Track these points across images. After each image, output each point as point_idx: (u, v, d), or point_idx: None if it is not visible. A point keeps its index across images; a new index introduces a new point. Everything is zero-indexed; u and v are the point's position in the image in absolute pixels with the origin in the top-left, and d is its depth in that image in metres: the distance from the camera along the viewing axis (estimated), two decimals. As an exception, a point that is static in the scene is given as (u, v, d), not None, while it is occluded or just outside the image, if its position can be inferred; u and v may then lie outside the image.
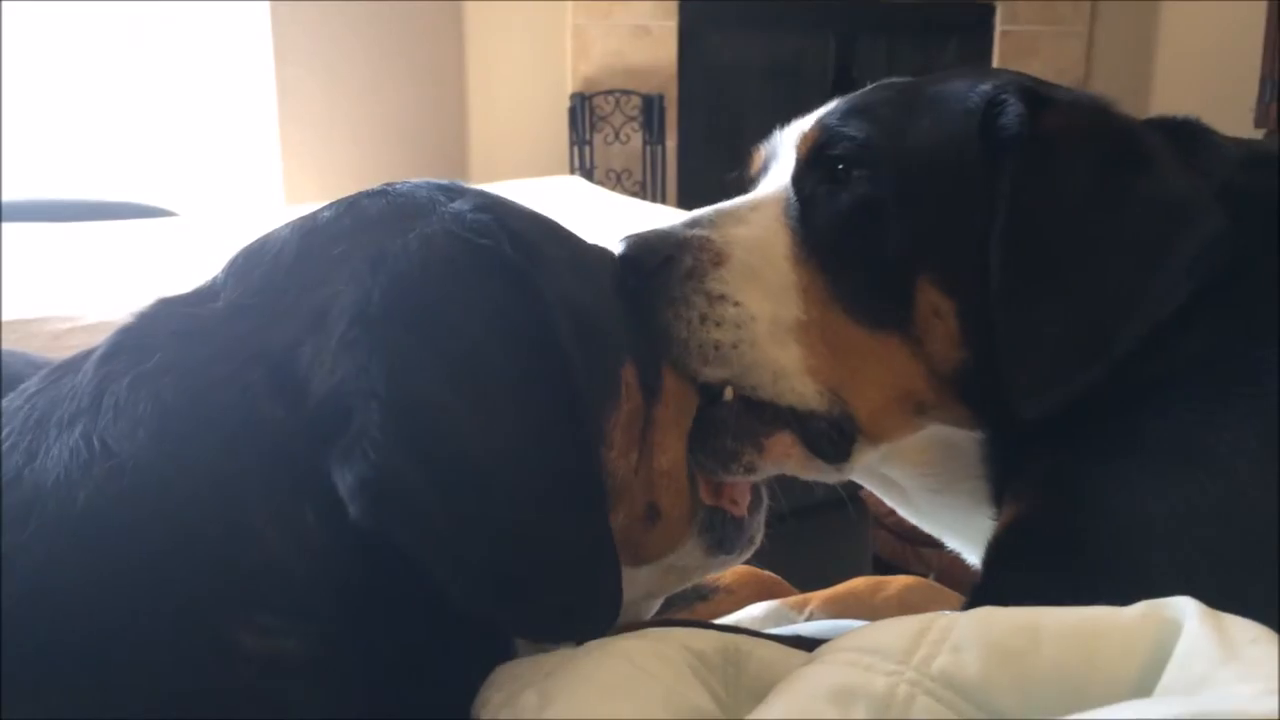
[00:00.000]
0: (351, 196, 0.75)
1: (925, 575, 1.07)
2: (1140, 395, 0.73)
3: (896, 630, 0.58)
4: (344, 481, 0.57)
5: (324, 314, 0.63)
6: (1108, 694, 0.52)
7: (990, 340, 0.78)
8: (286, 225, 0.73)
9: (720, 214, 0.87)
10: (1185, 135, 0.84)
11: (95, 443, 0.58)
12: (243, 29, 4.62)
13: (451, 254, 0.67)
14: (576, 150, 4.98)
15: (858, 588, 1.05)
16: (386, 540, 0.57)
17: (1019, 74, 0.87)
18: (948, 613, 0.58)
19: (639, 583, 0.80)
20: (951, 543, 0.93)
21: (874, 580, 1.06)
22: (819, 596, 1.03)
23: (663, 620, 0.82)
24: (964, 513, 0.86)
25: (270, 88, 4.67)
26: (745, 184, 0.95)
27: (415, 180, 0.76)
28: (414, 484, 0.57)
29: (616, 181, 5.03)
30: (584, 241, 0.81)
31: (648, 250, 0.82)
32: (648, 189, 5.01)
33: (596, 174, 4.93)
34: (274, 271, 0.68)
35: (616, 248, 0.83)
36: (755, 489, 0.87)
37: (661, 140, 5.05)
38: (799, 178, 0.87)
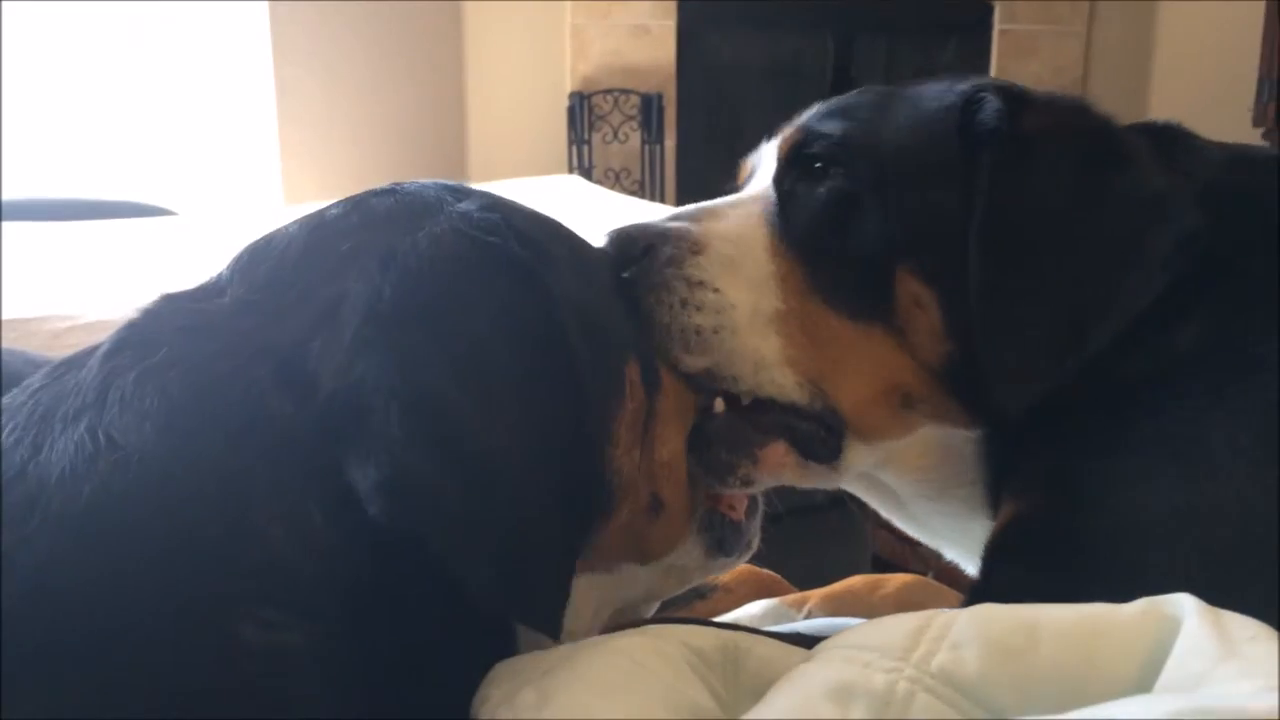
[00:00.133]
0: (359, 195, 0.75)
1: (924, 573, 1.07)
2: (1137, 392, 0.73)
3: (895, 628, 0.58)
4: (365, 477, 0.57)
5: (334, 311, 0.64)
6: (1107, 691, 0.52)
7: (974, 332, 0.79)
8: (293, 222, 0.73)
9: (702, 210, 0.88)
10: (1168, 138, 0.85)
11: (100, 437, 0.58)
12: (242, 28, 4.61)
13: (460, 252, 0.68)
14: (575, 149, 4.98)
15: (856, 586, 1.05)
16: (402, 534, 0.58)
17: (997, 79, 0.88)
18: (947, 610, 0.58)
19: (640, 583, 0.80)
20: (948, 552, 0.93)
21: (872, 578, 1.06)
22: (818, 594, 1.03)
23: (662, 618, 0.82)
24: (959, 519, 0.86)
25: (269, 87, 4.67)
26: (735, 193, 0.96)
27: (422, 180, 0.76)
28: (434, 481, 0.58)
29: (615, 181, 5.03)
30: (586, 241, 0.81)
31: (629, 241, 0.84)
32: (646, 188, 5.01)
33: (595, 173, 4.92)
34: (280, 268, 0.69)
35: (601, 242, 0.84)
36: (752, 495, 0.87)
37: (660, 140, 5.05)
38: (779, 177, 0.88)
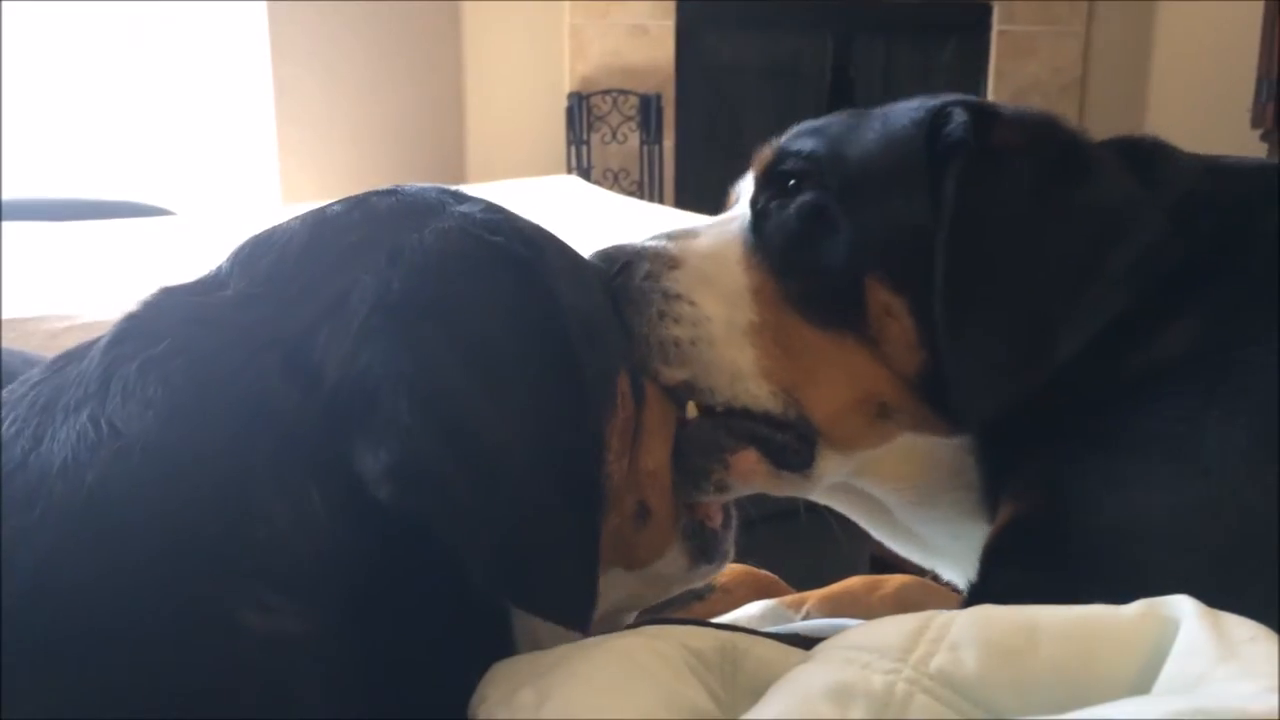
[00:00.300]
0: (360, 194, 0.76)
1: (922, 574, 1.07)
2: (1132, 393, 0.74)
3: (894, 628, 0.58)
4: (375, 462, 0.58)
5: (340, 302, 0.64)
6: (1106, 692, 0.52)
7: None
8: (294, 218, 0.74)
9: (679, 230, 0.91)
10: (1145, 152, 0.86)
11: (103, 425, 0.58)
12: (240, 28, 4.61)
13: (467, 249, 0.69)
14: (574, 150, 4.98)
15: (854, 587, 1.05)
16: (407, 522, 0.58)
17: (968, 97, 0.89)
18: (945, 611, 0.58)
19: (623, 589, 0.82)
20: (939, 565, 0.93)
21: (870, 579, 1.06)
22: (815, 595, 1.03)
23: (660, 619, 0.82)
24: (949, 524, 0.86)
25: (268, 87, 4.67)
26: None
27: (420, 184, 0.78)
28: (443, 467, 0.59)
29: (614, 181, 5.03)
30: (579, 254, 0.83)
31: (608, 260, 0.87)
32: (645, 189, 5.01)
33: (594, 174, 4.92)
34: (282, 261, 0.69)
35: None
36: (725, 508, 0.89)
37: (659, 140, 5.04)
38: (755, 196, 0.90)
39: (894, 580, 1.05)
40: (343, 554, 0.59)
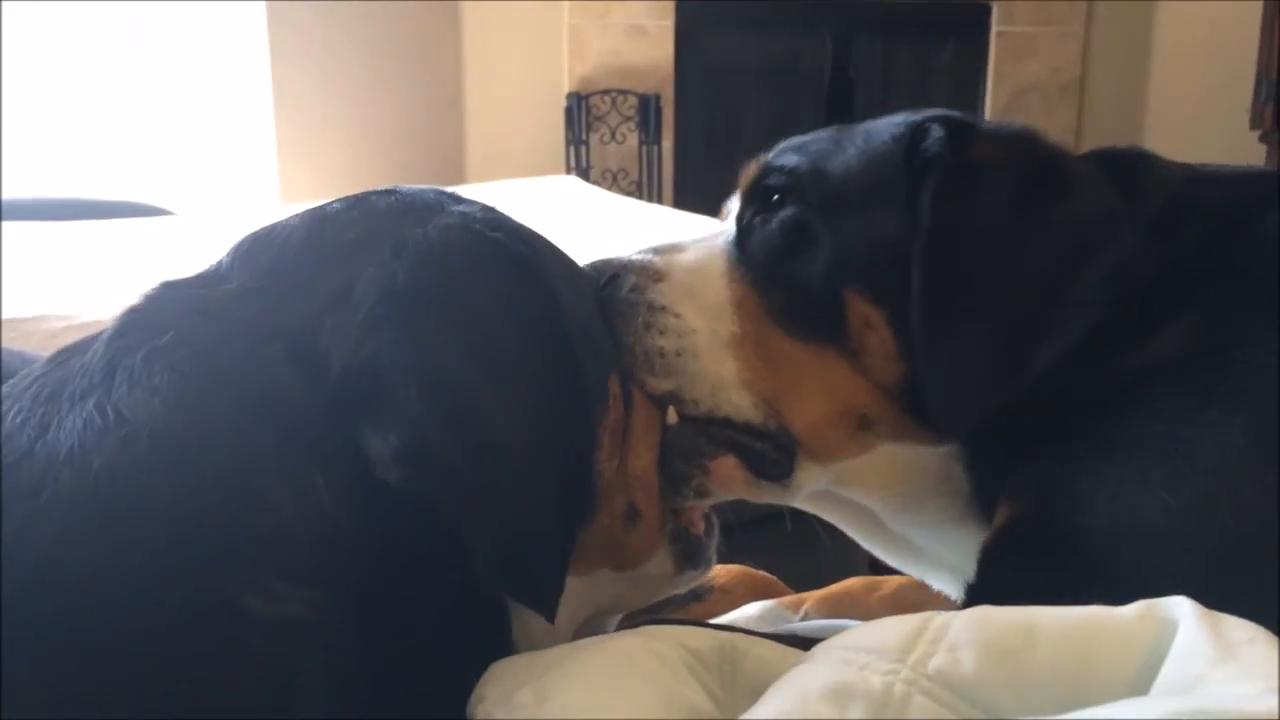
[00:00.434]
0: (359, 194, 0.77)
1: (921, 575, 1.07)
2: (1128, 394, 0.74)
3: (892, 629, 0.58)
4: (385, 446, 0.59)
5: (345, 293, 0.65)
6: (1104, 693, 0.52)
7: None
8: (294, 215, 0.75)
9: (666, 245, 0.93)
10: (1127, 162, 0.86)
11: (110, 412, 0.59)
12: (239, 28, 4.61)
13: (470, 245, 0.71)
14: (573, 150, 4.97)
15: (853, 587, 1.05)
16: (413, 505, 0.60)
17: (951, 112, 0.90)
18: (943, 612, 0.58)
19: (611, 590, 0.82)
20: (928, 575, 0.93)
21: (869, 580, 1.07)
22: (814, 596, 1.04)
23: (659, 619, 0.82)
24: (939, 529, 0.87)
25: (266, 87, 4.66)
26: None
27: (419, 186, 0.79)
28: (450, 452, 0.60)
29: (613, 181, 5.03)
30: (573, 260, 0.85)
31: (595, 272, 0.88)
32: (644, 189, 5.01)
33: (593, 174, 4.92)
34: (283, 256, 0.70)
35: None
36: (708, 516, 0.90)
37: (658, 140, 5.04)
38: (740, 212, 0.91)
39: (892, 581, 1.06)
40: (347, 541, 0.60)
